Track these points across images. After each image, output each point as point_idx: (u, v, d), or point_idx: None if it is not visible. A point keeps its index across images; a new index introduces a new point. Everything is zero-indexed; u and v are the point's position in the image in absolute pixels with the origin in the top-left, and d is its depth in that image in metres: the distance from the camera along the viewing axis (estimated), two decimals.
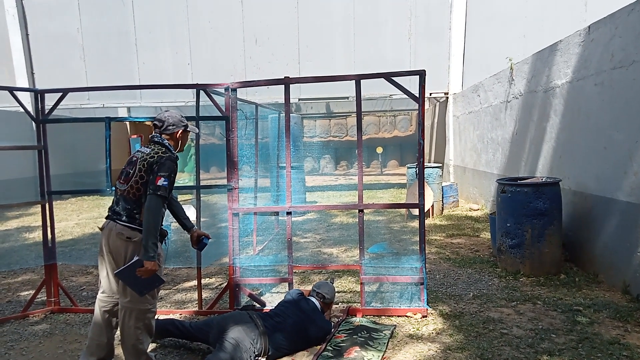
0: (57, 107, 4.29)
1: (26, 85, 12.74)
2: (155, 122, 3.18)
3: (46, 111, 4.35)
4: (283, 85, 3.96)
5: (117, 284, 3.04)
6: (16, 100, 4.23)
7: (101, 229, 3.07)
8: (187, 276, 5.53)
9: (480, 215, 8.67)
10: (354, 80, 3.92)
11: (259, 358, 3.17)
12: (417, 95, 3.87)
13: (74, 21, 12.94)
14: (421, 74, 3.81)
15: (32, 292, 4.55)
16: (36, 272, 5.83)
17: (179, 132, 3.19)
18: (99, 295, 3.15)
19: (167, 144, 3.12)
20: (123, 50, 12.95)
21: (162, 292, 4.94)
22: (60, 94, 4.34)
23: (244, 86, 4.03)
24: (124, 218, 2.96)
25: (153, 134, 3.17)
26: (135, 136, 16.39)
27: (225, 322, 3.25)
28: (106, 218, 3.07)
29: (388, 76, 3.87)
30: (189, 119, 4.10)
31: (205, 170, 19.31)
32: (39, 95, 4.27)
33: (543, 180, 5.19)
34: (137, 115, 14.64)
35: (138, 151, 3.11)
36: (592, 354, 3.21)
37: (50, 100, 4.28)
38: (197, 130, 3.40)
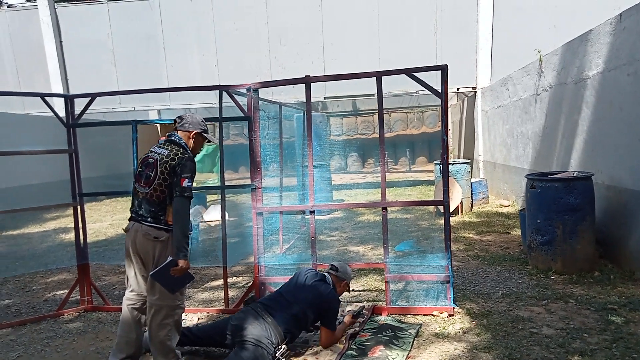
0: (92, 111, 4.43)
1: (61, 91, 13.17)
2: (176, 118, 3.24)
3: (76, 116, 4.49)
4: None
5: (144, 282, 3.11)
6: (47, 106, 4.38)
7: (126, 230, 3.14)
8: (215, 275, 5.61)
9: (511, 212, 8.48)
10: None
11: (280, 346, 3.16)
12: (440, 91, 3.81)
13: (104, 27, 13.29)
14: (443, 69, 3.75)
15: (67, 291, 4.70)
16: (71, 272, 6.02)
17: (194, 132, 3.20)
18: (127, 294, 3.23)
19: (183, 143, 3.15)
20: (152, 53, 13.22)
21: (190, 291, 5.03)
22: (89, 98, 4.47)
23: (265, 86, 4.05)
24: (149, 219, 3.01)
25: (171, 132, 3.21)
26: (163, 138, 16.71)
27: (240, 322, 3.21)
28: (130, 220, 3.13)
29: (409, 72, 3.82)
30: (212, 119, 4.17)
31: (233, 170, 19.52)
32: (69, 100, 4.41)
33: (574, 174, 5.03)
34: (167, 118, 14.93)
35: (153, 152, 3.11)
36: (627, 355, 3.10)
37: (83, 104, 4.40)
38: (217, 142, 3.42)
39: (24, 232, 9.40)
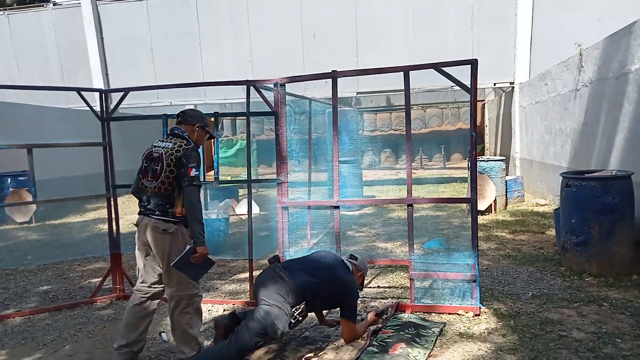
0: (131, 106, 4.58)
1: (102, 86, 13.61)
2: (179, 113, 3.32)
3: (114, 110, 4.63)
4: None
5: (154, 274, 3.20)
6: (83, 100, 4.54)
7: (136, 224, 3.21)
8: (242, 268, 5.68)
9: (547, 211, 8.21)
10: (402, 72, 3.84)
11: (299, 305, 3.12)
12: (469, 86, 3.73)
13: (143, 24, 13.64)
14: (472, 63, 3.66)
15: (101, 279, 4.86)
16: (107, 261, 6.16)
17: (197, 125, 3.27)
18: (137, 285, 3.31)
19: (186, 136, 3.21)
20: (188, 49, 13.48)
21: (217, 283, 5.13)
22: (124, 93, 4.60)
23: (292, 81, 4.06)
24: (157, 213, 3.07)
25: (174, 126, 3.27)
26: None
27: (260, 282, 3.23)
28: (139, 214, 3.20)
29: (438, 66, 3.74)
30: (240, 114, 4.21)
31: (268, 165, 19.70)
32: (103, 94, 4.55)
33: (612, 173, 4.83)
34: (204, 112, 15.22)
35: (157, 147, 3.16)
36: None
37: (127, 98, 4.52)
38: (215, 136, 3.47)
39: (66, 222, 9.80)
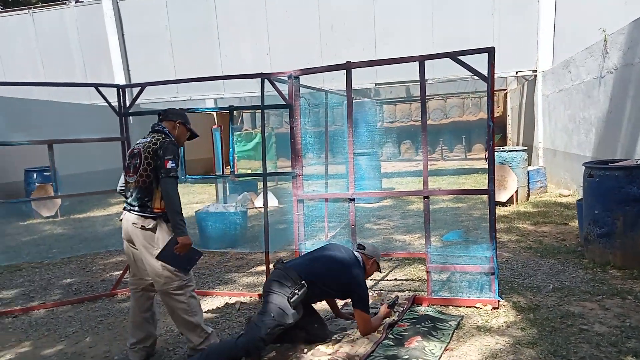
0: (152, 101, 4.63)
1: (123, 82, 13.80)
2: (160, 111, 3.35)
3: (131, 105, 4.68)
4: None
5: (144, 267, 3.18)
6: (101, 96, 4.60)
7: (120, 220, 3.25)
8: (260, 260, 5.70)
9: (571, 202, 8.03)
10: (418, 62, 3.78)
11: (299, 283, 3.14)
12: (487, 75, 3.65)
13: (163, 19, 13.76)
14: (490, 52, 3.58)
15: (121, 272, 4.94)
16: None
17: (178, 121, 3.30)
18: (130, 279, 3.36)
19: (166, 131, 3.24)
20: (207, 44, 13.55)
21: (234, 275, 5.17)
22: (142, 88, 4.65)
23: (305, 73, 4.04)
24: (136, 208, 3.10)
25: (156, 123, 3.30)
26: (215, 126, 17.16)
27: (265, 284, 3.30)
28: (123, 209, 3.25)
29: (454, 55, 3.68)
30: (254, 107, 4.21)
31: (287, 158, 19.76)
32: (120, 90, 4.60)
33: (637, 163, 4.68)
34: (222, 106, 15.30)
35: (138, 143, 3.21)
36: None
37: (147, 93, 4.57)
38: (198, 135, 3.47)
39: (89, 216, 10.00)
